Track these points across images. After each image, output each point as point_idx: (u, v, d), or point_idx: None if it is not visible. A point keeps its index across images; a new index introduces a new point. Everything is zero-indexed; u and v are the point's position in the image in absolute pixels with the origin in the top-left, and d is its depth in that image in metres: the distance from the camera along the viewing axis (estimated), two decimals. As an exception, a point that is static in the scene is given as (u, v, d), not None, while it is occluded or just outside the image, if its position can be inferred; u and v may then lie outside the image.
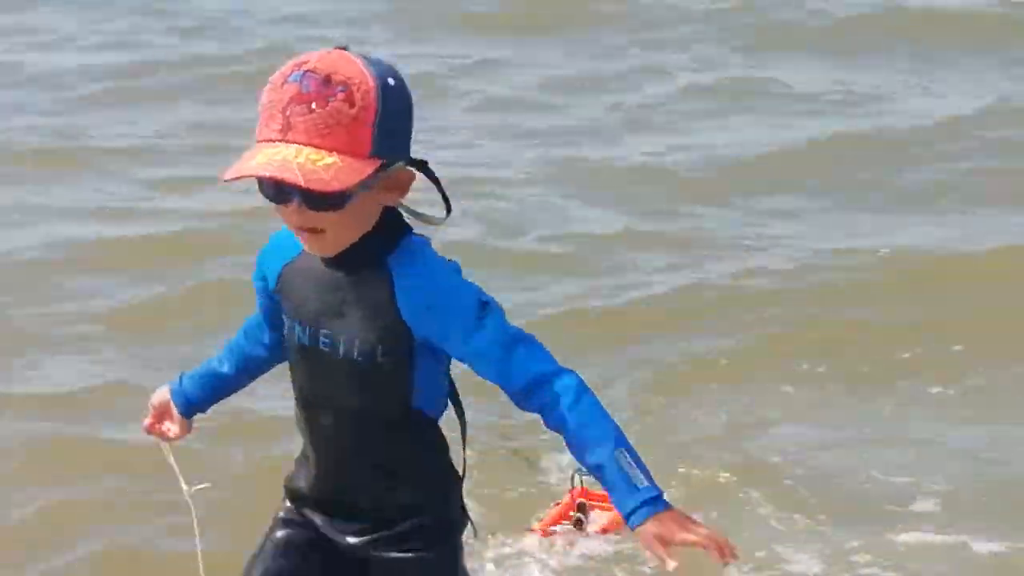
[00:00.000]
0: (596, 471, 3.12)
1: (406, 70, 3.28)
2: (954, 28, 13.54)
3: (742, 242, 8.87)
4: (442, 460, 3.41)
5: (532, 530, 5.71)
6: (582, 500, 5.68)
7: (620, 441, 3.10)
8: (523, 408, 3.18)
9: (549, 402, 3.13)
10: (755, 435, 6.56)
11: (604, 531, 5.61)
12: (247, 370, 3.67)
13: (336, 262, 3.21)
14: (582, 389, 3.12)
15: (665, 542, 3.04)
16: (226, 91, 12.19)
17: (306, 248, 3.21)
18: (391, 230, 3.20)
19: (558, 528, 5.68)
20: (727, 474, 6.19)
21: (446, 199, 3.26)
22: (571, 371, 3.15)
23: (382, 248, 3.19)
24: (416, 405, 3.31)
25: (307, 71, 2.99)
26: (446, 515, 3.43)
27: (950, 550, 5.63)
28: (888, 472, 6.28)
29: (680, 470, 6.15)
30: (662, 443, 6.23)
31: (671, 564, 3.04)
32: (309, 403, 3.38)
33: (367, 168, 3.00)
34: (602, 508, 5.62)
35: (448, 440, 3.45)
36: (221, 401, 3.76)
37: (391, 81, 3.06)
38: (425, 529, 3.39)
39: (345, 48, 3.08)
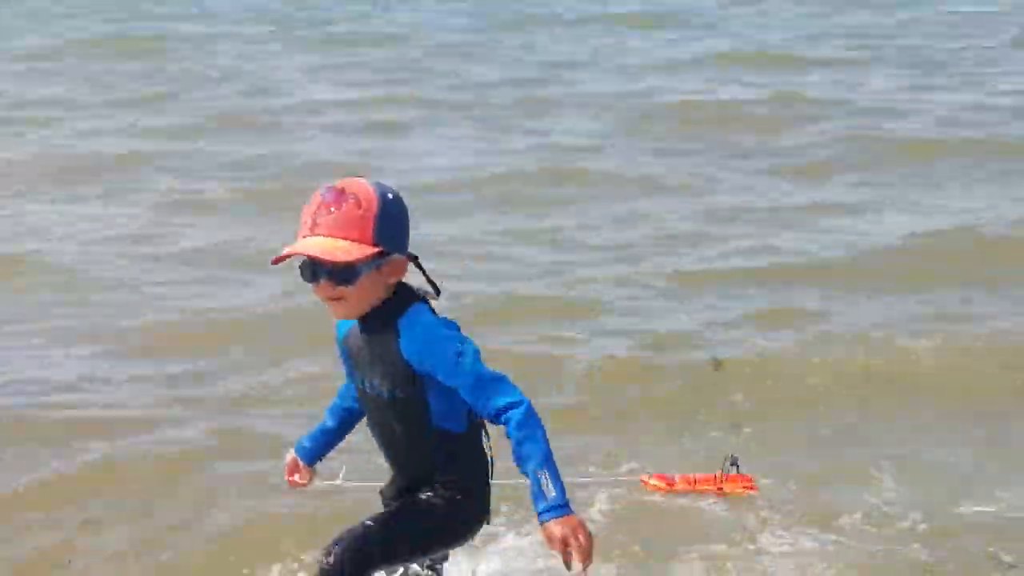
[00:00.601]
0: (525, 476, 3.54)
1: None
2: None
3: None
4: (461, 462, 3.80)
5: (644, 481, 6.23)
6: (717, 476, 6.18)
7: (543, 462, 3.48)
8: (494, 424, 3.64)
9: (505, 426, 3.54)
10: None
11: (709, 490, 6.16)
12: (346, 421, 4.19)
13: (365, 328, 3.70)
14: (527, 419, 3.52)
15: (565, 540, 3.42)
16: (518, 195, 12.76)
17: (332, 314, 3.74)
18: (400, 301, 3.66)
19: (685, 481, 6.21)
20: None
21: (433, 284, 3.77)
22: (522, 403, 3.54)
23: (394, 314, 3.64)
24: (437, 424, 3.74)
25: (328, 187, 3.57)
26: (467, 492, 3.85)
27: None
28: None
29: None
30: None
31: (576, 567, 3.45)
32: (373, 430, 3.92)
33: (371, 251, 3.51)
34: (733, 480, 6.17)
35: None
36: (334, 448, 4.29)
37: (389, 195, 3.61)
38: (443, 494, 3.82)
39: (359, 176, 3.67)
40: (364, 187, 3.58)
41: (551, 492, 3.45)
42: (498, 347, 8.05)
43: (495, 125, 16.64)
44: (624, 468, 6.58)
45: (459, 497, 3.81)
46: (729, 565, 5.61)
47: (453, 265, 9.99)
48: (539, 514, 3.47)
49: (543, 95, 18.82)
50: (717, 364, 7.95)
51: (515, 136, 15.95)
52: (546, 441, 3.51)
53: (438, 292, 3.76)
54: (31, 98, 18.93)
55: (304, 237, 3.53)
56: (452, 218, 11.80)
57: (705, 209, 12.21)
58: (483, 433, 3.88)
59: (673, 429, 7.18)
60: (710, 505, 6.15)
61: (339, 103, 18.34)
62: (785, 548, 5.77)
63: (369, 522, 3.80)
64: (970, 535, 5.84)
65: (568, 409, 7.35)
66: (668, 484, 6.18)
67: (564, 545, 3.41)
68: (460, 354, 3.54)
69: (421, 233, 10.03)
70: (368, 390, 3.78)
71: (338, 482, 4.86)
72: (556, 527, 3.42)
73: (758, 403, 7.49)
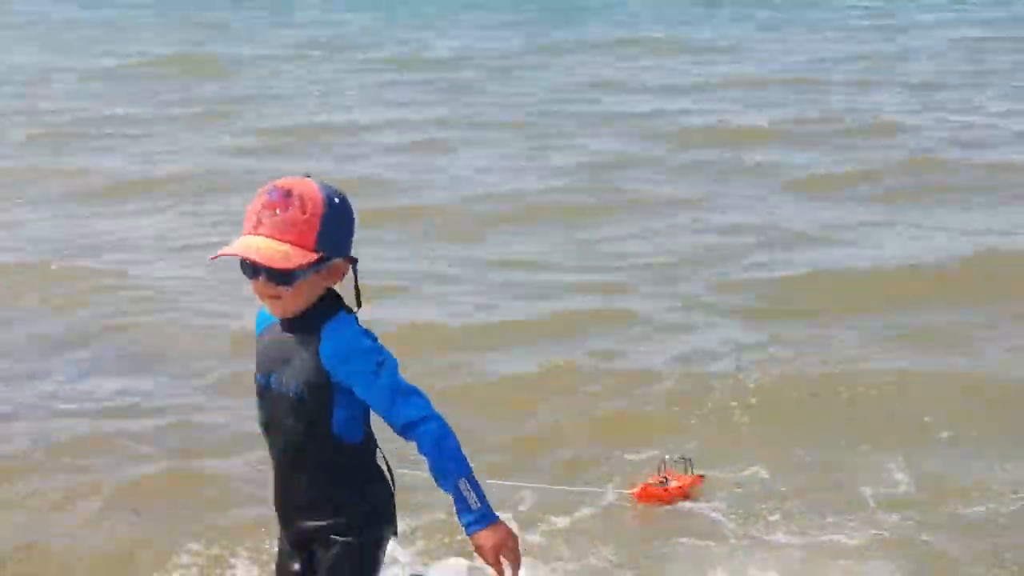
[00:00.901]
0: (447, 492, 3.37)
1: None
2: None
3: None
4: (362, 473, 3.52)
5: (633, 485, 6.24)
6: (666, 476, 6.23)
7: (462, 473, 3.32)
8: (404, 439, 3.42)
9: (418, 440, 3.36)
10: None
11: (679, 489, 6.20)
12: None
13: (288, 328, 3.46)
14: (441, 433, 3.33)
15: (496, 549, 3.30)
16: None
17: (268, 311, 3.48)
18: (328, 307, 3.44)
19: (652, 482, 6.22)
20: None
21: (358, 295, 3.51)
22: (436, 417, 3.35)
23: (320, 319, 3.40)
24: (336, 431, 3.44)
25: (276, 187, 3.32)
26: (364, 514, 3.53)
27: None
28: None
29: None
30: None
31: (508, 572, 3.31)
32: (267, 428, 3.59)
33: (311, 257, 3.29)
34: (678, 479, 6.24)
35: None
36: None
37: (336, 200, 3.36)
38: (344, 525, 3.50)
39: (308, 175, 3.40)
40: (312, 189, 3.33)
41: (476, 503, 3.32)
42: (543, 360, 8.06)
43: (535, 143, 16.69)
44: (644, 457, 6.73)
45: (361, 540, 3.54)
46: (739, 559, 5.66)
47: (494, 278, 10.13)
48: (466, 526, 3.35)
49: (582, 113, 18.87)
50: (738, 370, 7.99)
51: (554, 154, 15.94)
52: (462, 454, 3.36)
53: (359, 305, 3.52)
54: (107, 114, 19.16)
55: (247, 234, 3.32)
56: (492, 233, 11.90)
57: (728, 225, 12.18)
58: (377, 447, 3.62)
59: (696, 431, 7.26)
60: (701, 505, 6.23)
61: (391, 122, 18.38)
62: (792, 541, 5.85)
63: None
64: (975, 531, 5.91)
65: (596, 416, 7.48)
66: (664, 494, 6.19)
67: (496, 553, 3.31)
68: (380, 364, 3.36)
69: (467, 247, 10.18)
70: (274, 386, 3.50)
71: None
72: (486, 537, 3.32)
73: (774, 405, 7.55)
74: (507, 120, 18.42)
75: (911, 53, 25.38)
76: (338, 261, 3.40)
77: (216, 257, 3.34)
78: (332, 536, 3.50)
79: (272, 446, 3.59)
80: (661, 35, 29.37)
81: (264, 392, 3.54)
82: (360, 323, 3.46)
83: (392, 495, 3.61)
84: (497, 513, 3.38)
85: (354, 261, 3.45)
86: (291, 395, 3.44)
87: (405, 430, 3.36)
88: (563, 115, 18.72)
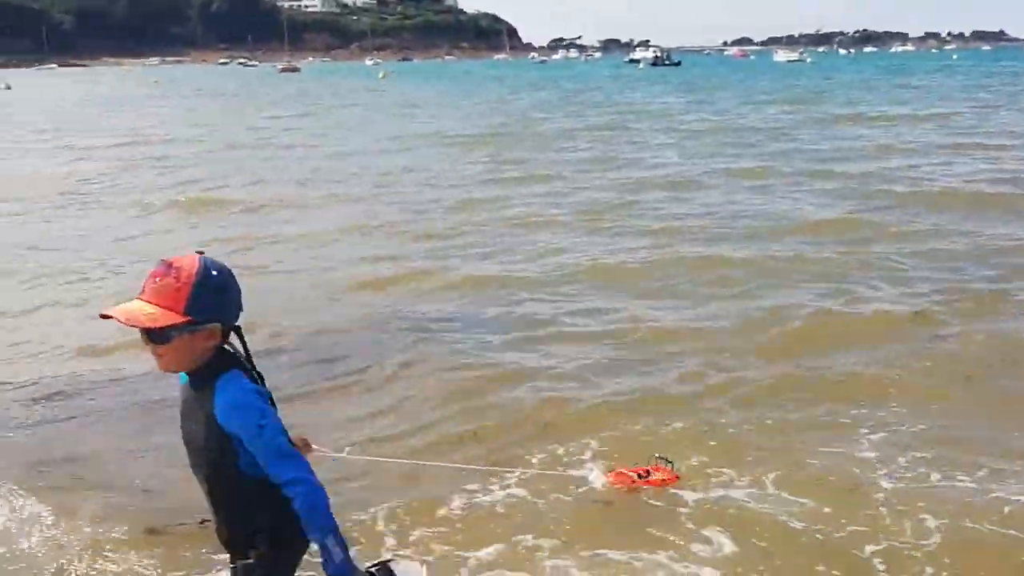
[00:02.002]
0: (315, 542, 3.18)
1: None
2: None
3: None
4: (267, 500, 3.23)
5: (612, 472, 5.69)
6: (648, 469, 5.73)
7: (329, 532, 3.14)
8: (281, 491, 3.18)
9: (293, 498, 3.16)
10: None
11: (654, 483, 5.65)
12: None
13: (192, 384, 3.28)
14: (313, 495, 3.16)
15: None
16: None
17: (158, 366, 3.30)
18: (220, 365, 3.21)
19: (631, 474, 5.68)
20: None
21: (250, 361, 3.27)
22: (307, 480, 3.17)
23: (213, 375, 3.20)
24: (245, 470, 3.22)
25: (162, 260, 3.19)
26: (275, 536, 3.31)
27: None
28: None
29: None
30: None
31: None
32: (192, 469, 3.39)
33: (176, 319, 3.10)
34: (661, 472, 5.72)
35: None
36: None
37: (214, 272, 3.17)
38: (257, 547, 3.32)
39: (201, 252, 3.24)
40: (191, 262, 3.18)
41: (336, 557, 3.14)
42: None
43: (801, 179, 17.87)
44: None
45: (274, 555, 3.37)
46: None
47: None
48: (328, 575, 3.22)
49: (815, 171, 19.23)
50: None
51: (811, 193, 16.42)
52: (329, 512, 3.21)
53: (255, 372, 3.29)
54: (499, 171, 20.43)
55: (136, 298, 3.21)
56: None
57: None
58: None
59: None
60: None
61: (712, 172, 19.38)
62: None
63: None
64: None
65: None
66: (631, 481, 5.71)
67: None
68: (262, 427, 3.17)
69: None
70: (187, 437, 3.33)
71: (343, 454, 4.50)
72: None
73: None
74: (786, 171, 19.33)
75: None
76: (213, 326, 3.18)
77: (104, 315, 3.15)
78: (246, 556, 3.35)
79: (200, 486, 3.40)
80: (898, 112, 30.96)
81: (185, 439, 3.36)
82: (250, 381, 3.24)
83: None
84: (356, 564, 3.23)
85: (237, 329, 3.27)
86: (200, 444, 3.27)
87: (283, 486, 3.19)
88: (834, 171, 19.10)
